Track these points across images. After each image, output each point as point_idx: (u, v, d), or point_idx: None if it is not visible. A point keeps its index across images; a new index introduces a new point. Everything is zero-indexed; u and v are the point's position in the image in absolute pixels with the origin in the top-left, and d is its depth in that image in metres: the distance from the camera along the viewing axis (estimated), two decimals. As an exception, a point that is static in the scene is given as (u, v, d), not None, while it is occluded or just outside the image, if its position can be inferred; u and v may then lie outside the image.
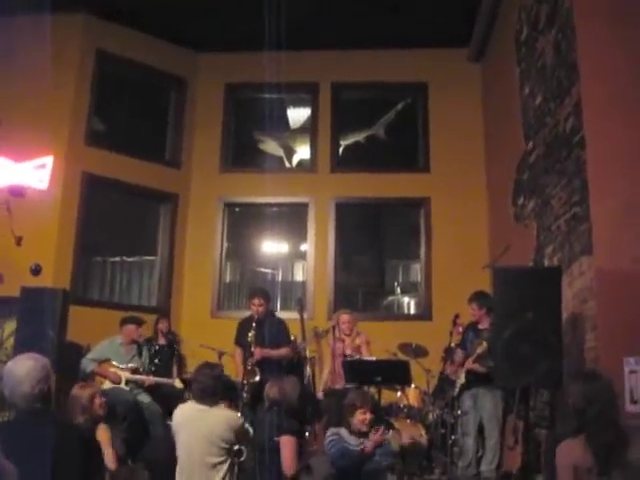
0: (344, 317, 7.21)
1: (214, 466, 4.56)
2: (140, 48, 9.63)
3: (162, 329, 8.19)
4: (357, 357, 6.97)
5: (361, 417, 5.07)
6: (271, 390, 5.11)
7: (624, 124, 4.59)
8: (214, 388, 4.76)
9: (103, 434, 4.55)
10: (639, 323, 4.29)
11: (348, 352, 7.01)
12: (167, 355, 7.99)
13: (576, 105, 5.67)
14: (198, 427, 4.65)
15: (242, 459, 5.18)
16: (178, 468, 4.69)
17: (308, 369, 8.09)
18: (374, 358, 6.96)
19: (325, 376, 7.55)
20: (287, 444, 4.75)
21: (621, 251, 4.60)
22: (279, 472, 4.76)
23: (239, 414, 6.18)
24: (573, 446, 3.31)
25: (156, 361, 7.62)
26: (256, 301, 7.11)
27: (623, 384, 4.35)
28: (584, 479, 3.22)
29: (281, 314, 8.21)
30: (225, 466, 4.60)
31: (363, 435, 5.06)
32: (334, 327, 7.33)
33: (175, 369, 8.09)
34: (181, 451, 4.70)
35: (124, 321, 7.51)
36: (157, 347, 7.85)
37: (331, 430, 5.16)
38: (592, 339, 5.27)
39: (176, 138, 10.08)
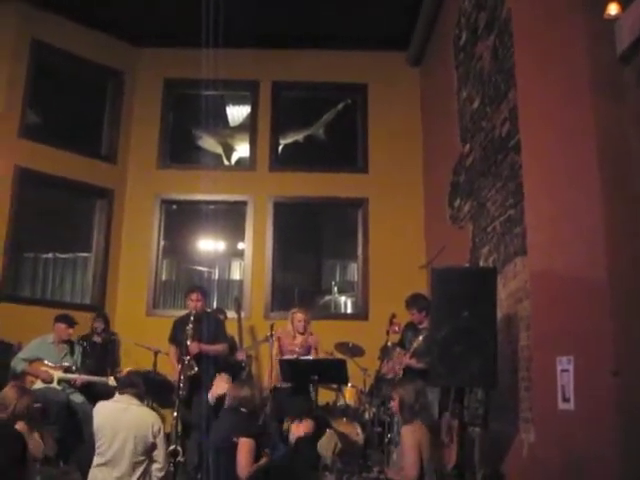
0: (298, 315, 7.24)
1: (137, 463, 4.71)
2: (78, 40, 9.40)
3: (97, 328, 8.03)
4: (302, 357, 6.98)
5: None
6: (241, 390, 5.22)
7: (559, 129, 4.71)
8: (141, 386, 5.02)
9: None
10: (571, 323, 4.39)
11: (297, 350, 7.03)
12: (101, 354, 7.84)
13: (512, 110, 5.81)
14: (124, 423, 4.75)
15: (179, 459, 5.18)
16: (98, 462, 4.73)
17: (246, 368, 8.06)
18: (311, 357, 6.99)
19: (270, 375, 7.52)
20: (243, 446, 4.80)
21: (555, 253, 4.72)
22: (234, 474, 4.82)
23: (174, 413, 6.16)
24: (415, 429, 4.44)
25: (87, 360, 7.48)
26: (194, 296, 7.04)
27: (555, 382, 4.46)
28: (426, 452, 4.44)
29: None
30: (144, 464, 4.75)
31: None
32: (271, 328, 7.33)
33: (108, 369, 7.94)
34: (104, 445, 4.74)
35: (56, 319, 7.35)
36: (87, 345, 7.68)
37: None
38: (525, 338, 5.41)
39: (113, 133, 9.89)
